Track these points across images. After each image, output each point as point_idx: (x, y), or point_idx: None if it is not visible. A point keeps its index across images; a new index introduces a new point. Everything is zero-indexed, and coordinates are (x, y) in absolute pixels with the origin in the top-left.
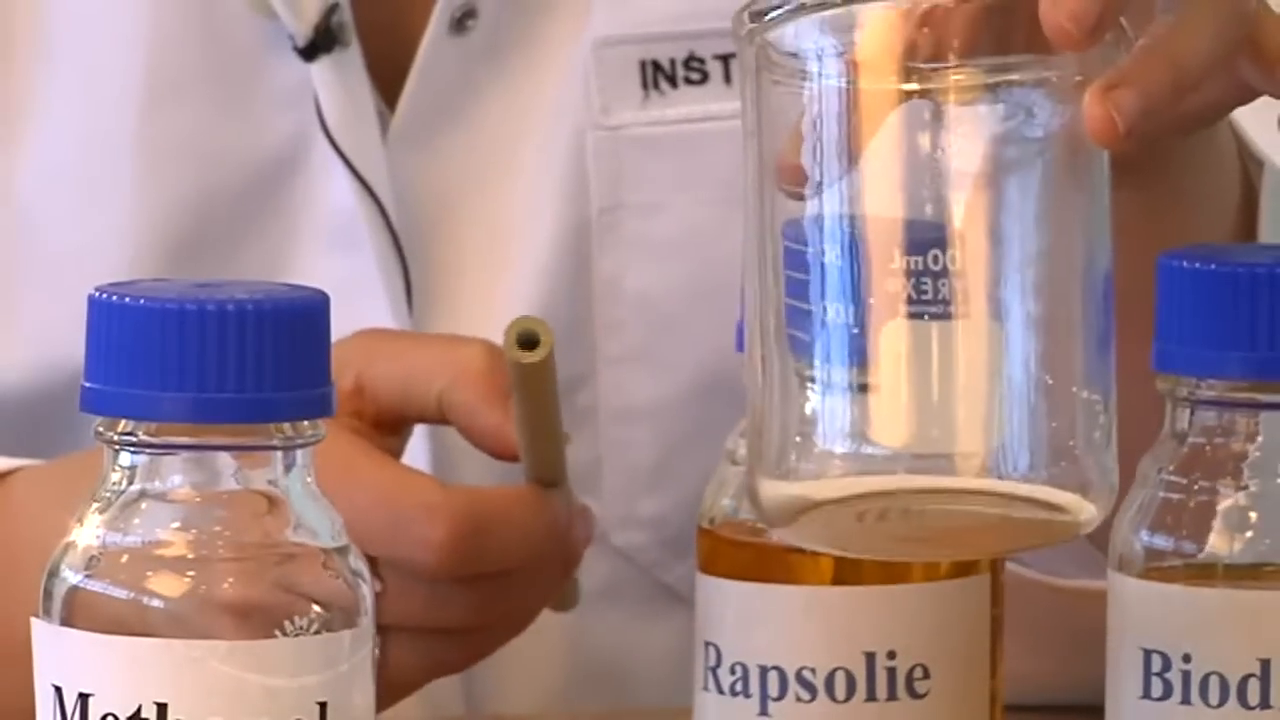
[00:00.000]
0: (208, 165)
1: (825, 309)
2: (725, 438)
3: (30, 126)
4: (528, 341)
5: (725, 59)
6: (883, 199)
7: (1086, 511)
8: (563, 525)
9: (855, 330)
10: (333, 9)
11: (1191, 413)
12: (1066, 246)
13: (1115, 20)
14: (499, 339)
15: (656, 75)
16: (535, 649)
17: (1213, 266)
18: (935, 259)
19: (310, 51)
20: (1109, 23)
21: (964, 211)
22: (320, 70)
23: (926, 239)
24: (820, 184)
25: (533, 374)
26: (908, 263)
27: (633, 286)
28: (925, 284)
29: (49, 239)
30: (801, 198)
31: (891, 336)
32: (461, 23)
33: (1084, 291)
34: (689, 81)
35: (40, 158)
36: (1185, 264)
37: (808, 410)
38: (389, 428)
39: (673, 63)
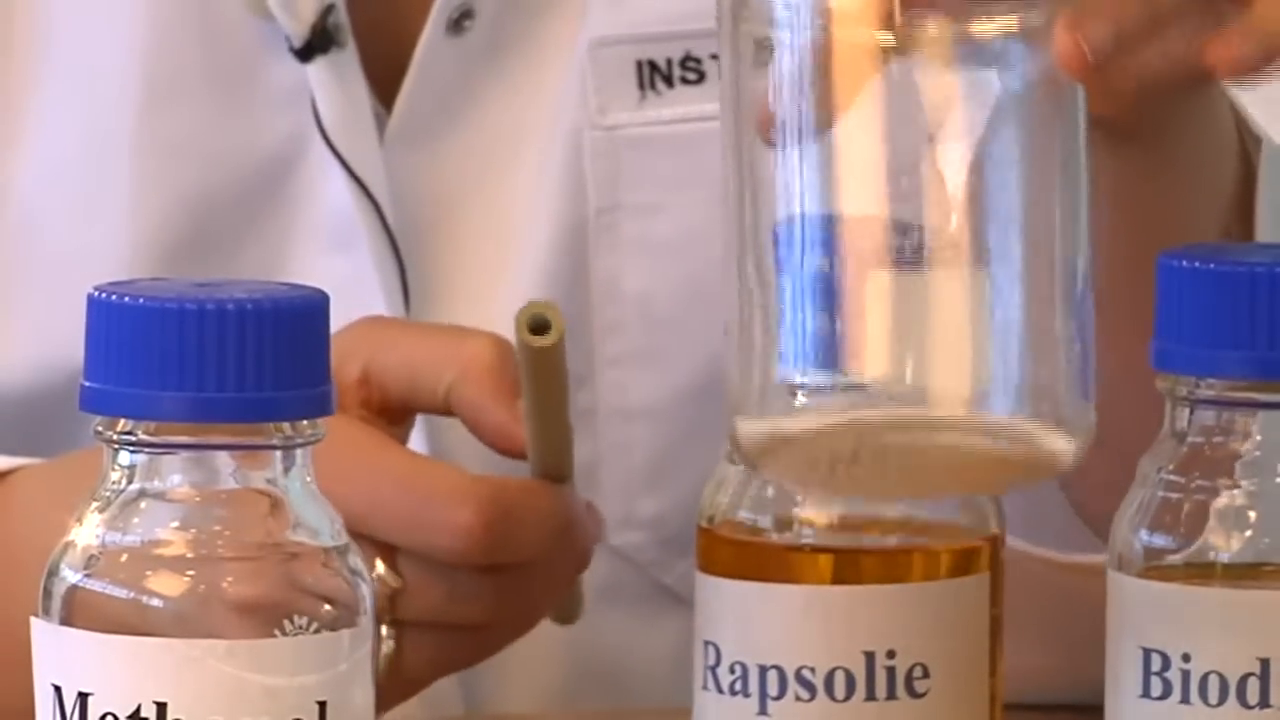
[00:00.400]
0: (205, 166)
1: (802, 251)
2: (723, 437)
3: (29, 127)
4: (539, 326)
5: None
6: (859, 147)
7: (1064, 446)
8: (576, 520)
9: (830, 268)
10: (329, 10)
11: (1191, 412)
12: (1043, 189)
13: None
14: (497, 343)
15: (653, 75)
16: (535, 649)
17: (1212, 266)
18: (913, 200)
19: (306, 52)
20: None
21: (941, 157)
22: (317, 71)
23: (904, 185)
24: (797, 132)
25: (544, 359)
26: (886, 207)
27: (631, 287)
28: (902, 225)
29: (48, 240)
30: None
31: (867, 274)
32: (458, 23)
33: (1061, 231)
34: (685, 81)
35: (39, 159)
36: (1184, 263)
37: (782, 345)
38: (393, 416)
39: (669, 63)
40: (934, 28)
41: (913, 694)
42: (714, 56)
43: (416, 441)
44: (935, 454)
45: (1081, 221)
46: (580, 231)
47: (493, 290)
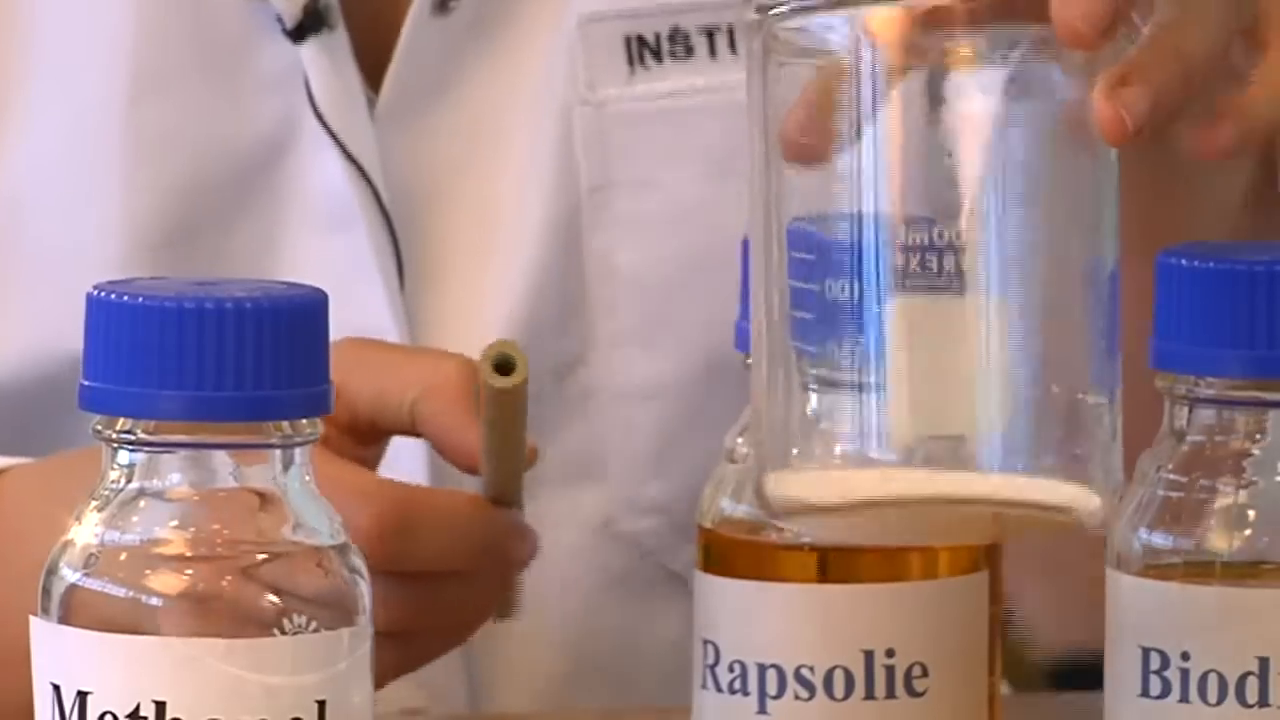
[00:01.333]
0: (197, 152)
1: (830, 295)
2: (729, 420)
3: (17, 120)
4: (503, 365)
5: (709, 32)
6: (893, 183)
7: (1091, 506)
8: (501, 538)
9: (858, 322)
10: None
11: (1190, 411)
12: (1073, 240)
13: (1126, 15)
14: (492, 318)
15: (642, 50)
16: (541, 639)
17: (1211, 265)
18: (943, 243)
19: (299, 33)
20: (1121, 18)
21: (978, 204)
22: (309, 52)
23: (932, 225)
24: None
25: (505, 399)
26: (914, 247)
27: (625, 265)
28: (931, 269)
29: (39, 232)
30: (808, 166)
31: (897, 327)
32: (444, 3)
33: (1091, 286)
34: (674, 56)
35: (28, 150)
36: (1183, 262)
37: (809, 408)
38: (362, 437)
39: (658, 37)
40: (969, 54)
41: (912, 693)
42: (701, 30)
43: (417, 459)
44: (959, 513)
45: (1114, 279)
46: (573, 209)
47: (486, 269)
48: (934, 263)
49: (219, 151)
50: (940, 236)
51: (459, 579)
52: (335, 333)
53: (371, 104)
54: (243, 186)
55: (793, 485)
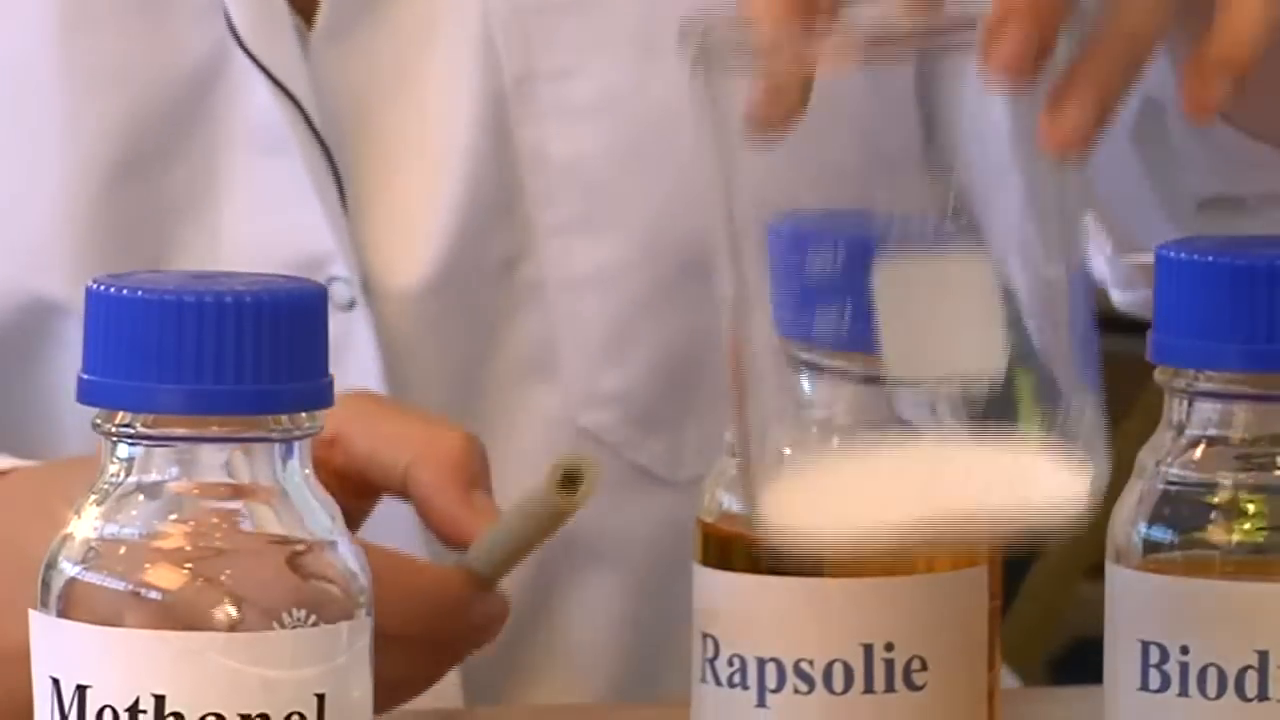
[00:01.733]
0: (133, 84)
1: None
2: (678, 308)
3: None
4: (571, 477)
5: None
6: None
7: (1080, 492)
8: (462, 610)
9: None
10: None
11: (1190, 404)
12: (1051, 241)
13: (1053, 45)
14: (434, 226)
15: None
16: (535, 634)
17: (1210, 259)
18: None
19: None
20: (1048, 52)
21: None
22: None
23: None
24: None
25: (561, 512)
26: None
27: (558, 154)
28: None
29: None
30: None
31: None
32: None
33: (1069, 281)
34: None
35: None
36: (1183, 256)
37: (799, 397)
38: (352, 488)
39: None
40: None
41: (911, 686)
42: None
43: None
44: (968, 528)
45: (1087, 273)
46: (500, 103)
47: (424, 177)
48: (920, 233)
49: (154, 83)
50: (922, 242)
51: (408, 640)
52: (279, 256)
53: (301, 27)
54: (181, 117)
55: (786, 511)
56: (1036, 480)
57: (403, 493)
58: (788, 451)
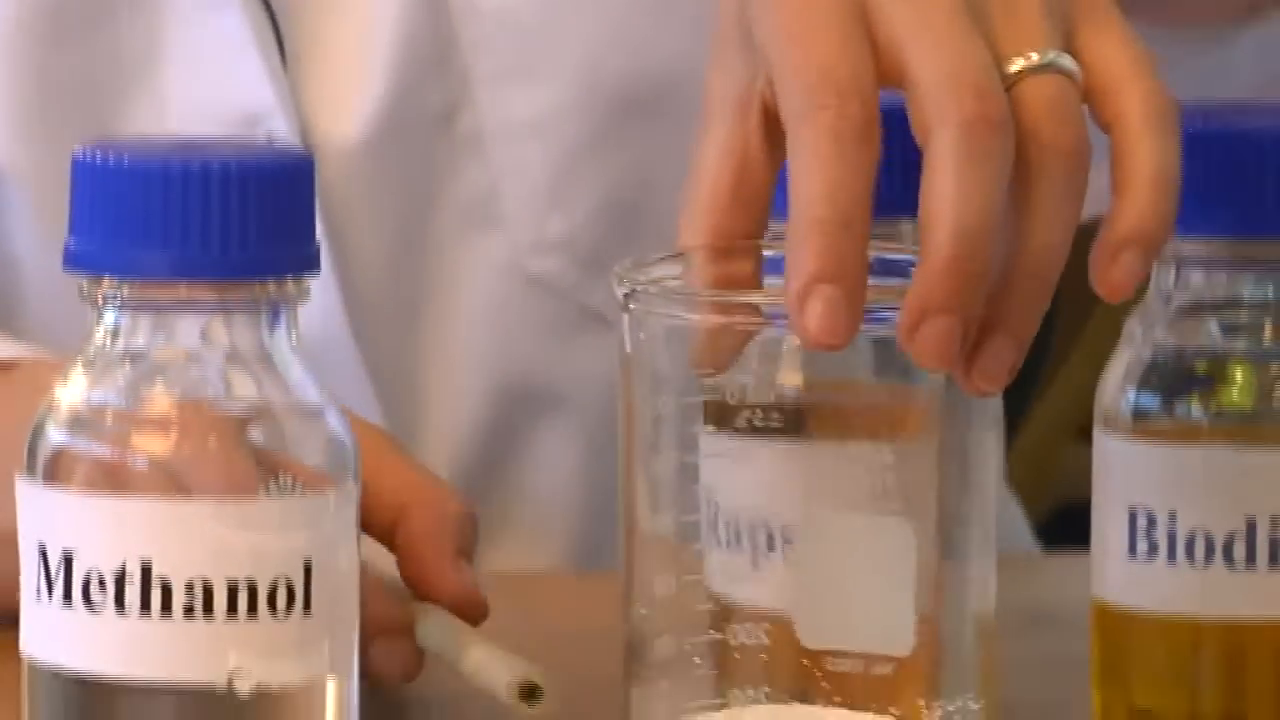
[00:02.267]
0: None
1: None
2: (619, 152)
3: None
4: (529, 691)
5: None
6: None
7: None
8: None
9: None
10: None
11: (1178, 272)
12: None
13: (976, 320)
14: (367, 84)
15: None
16: (463, 388)
17: (1200, 127)
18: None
19: None
20: (973, 329)
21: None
22: None
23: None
24: None
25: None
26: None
27: (489, 2)
28: None
29: None
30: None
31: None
32: None
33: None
34: None
35: None
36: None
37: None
38: None
39: None
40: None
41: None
42: None
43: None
44: None
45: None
46: None
47: (360, 28)
48: None
49: None
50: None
51: None
52: (218, 112)
53: None
54: None
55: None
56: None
57: (387, 532)
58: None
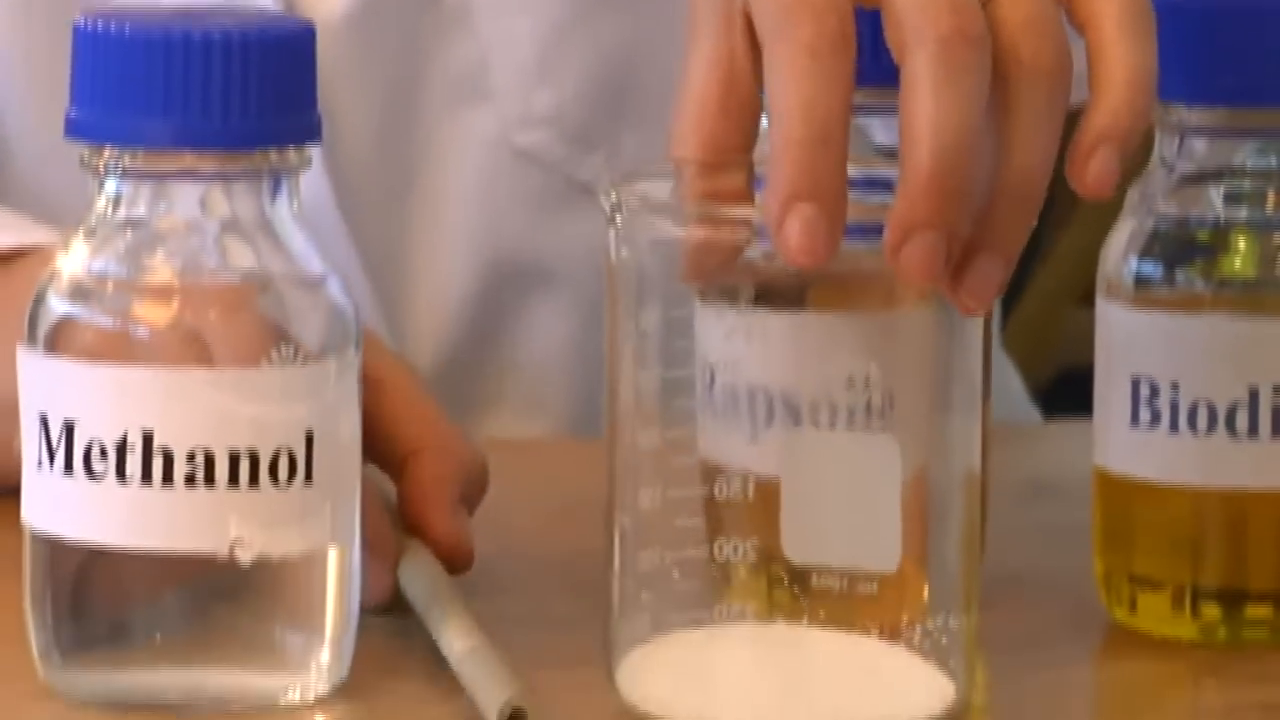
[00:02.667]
0: None
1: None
2: (608, 26)
3: None
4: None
5: None
6: None
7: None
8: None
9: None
10: None
11: (1181, 140)
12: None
13: (962, 237)
14: None
15: None
16: (454, 263)
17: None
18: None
19: None
20: (958, 247)
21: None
22: None
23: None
24: None
25: None
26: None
27: None
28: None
29: None
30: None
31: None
32: None
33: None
34: None
35: None
36: None
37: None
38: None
39: None
40: None
41: (886, 420)
42: None
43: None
44: None
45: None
46: None
47: None
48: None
49: None
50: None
51: None
52: None
53: None
54: None
55: (643, 689)
56: (896, 689)
57: (397, 470)
58: (651, 630)
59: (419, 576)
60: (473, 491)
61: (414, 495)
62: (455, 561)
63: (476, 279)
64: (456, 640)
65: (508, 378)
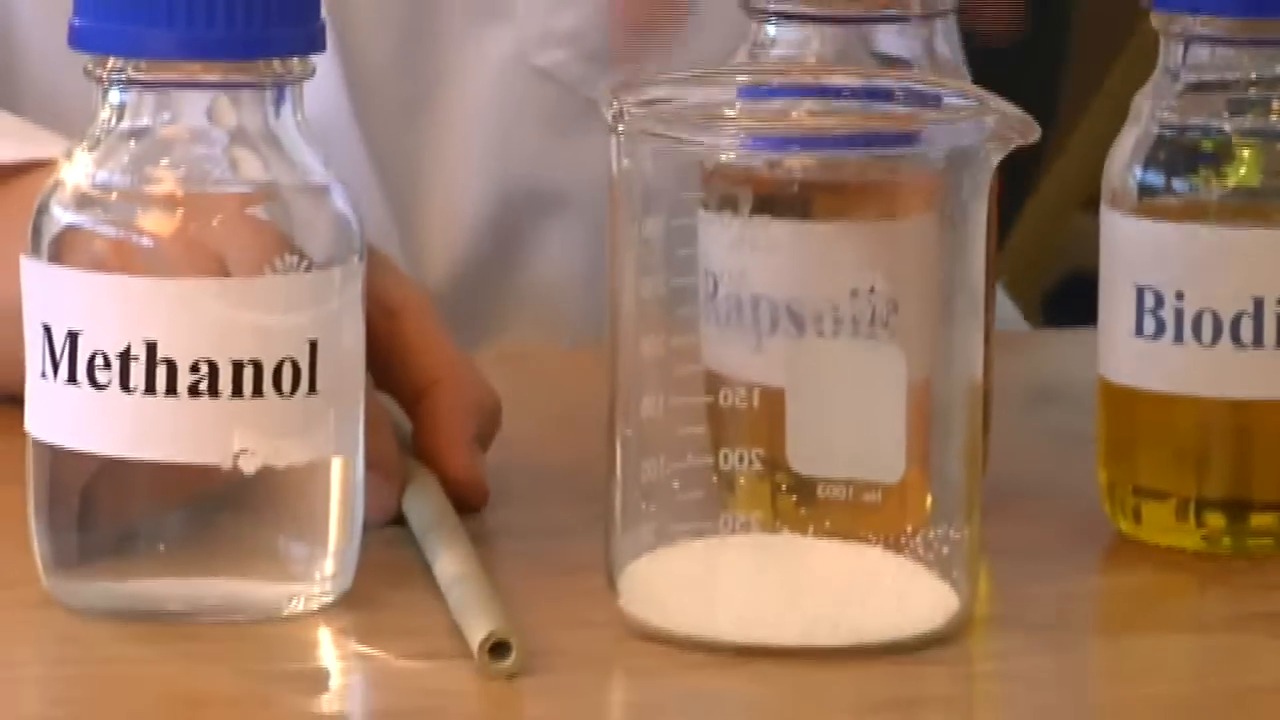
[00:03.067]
0: None
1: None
2: None
3: None
4: (499, 648)
5: None
6: None
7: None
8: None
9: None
10: None
11: (1185, 49)
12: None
13: None
14: None
15: None
16: (469, 182)
17: None
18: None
19: None
20: None
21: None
22: None
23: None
24: None
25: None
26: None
27: None
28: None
29: None
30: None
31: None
32: None
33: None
34: None
35: None
36: None
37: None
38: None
39: None
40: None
41: (889, 327)
42: None
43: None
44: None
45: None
46: None
47: None
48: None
49: None
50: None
51: None
52: None
53: None
54: None
55: (646, 599)
56: (899, 599)
57: (413, 401)
58: (653, 540)
59: (422, 503)
60: (487, 429)
61: (430, 428)
62: (470, 500)
63: (491, 198)
64: (449, 567)
65: (520, 298)
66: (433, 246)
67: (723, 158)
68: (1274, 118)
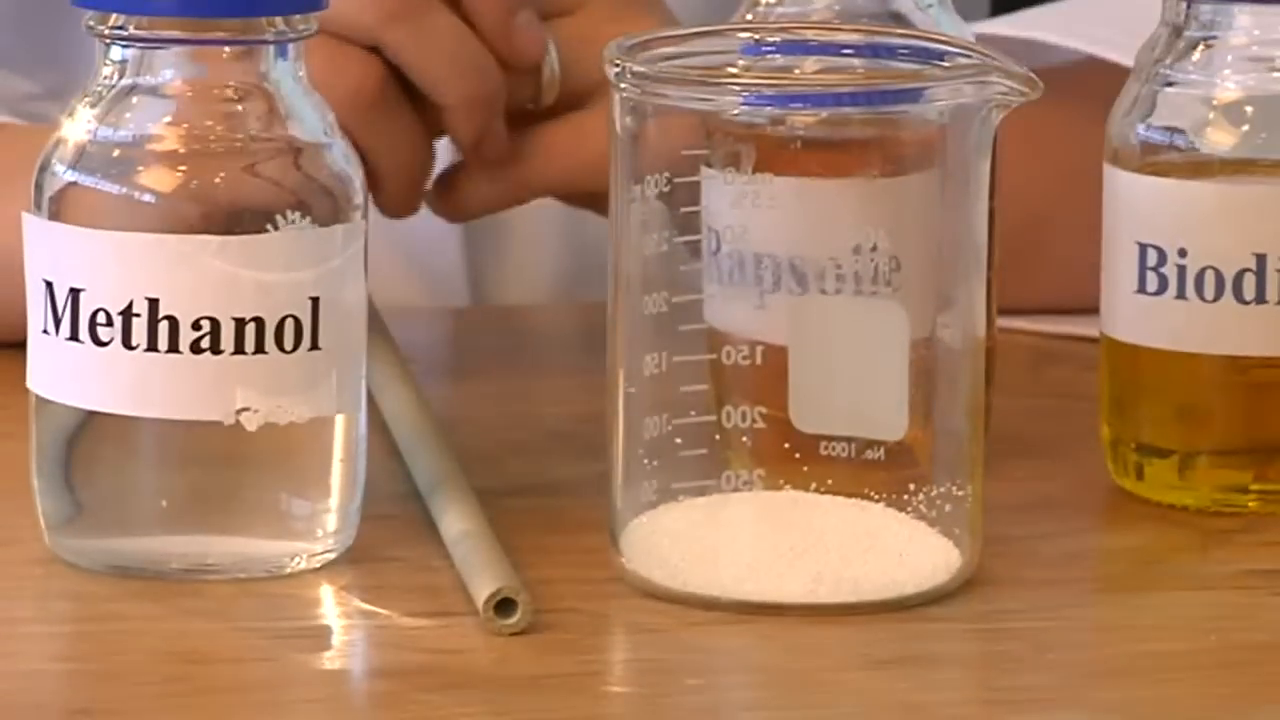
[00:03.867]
0: None
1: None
2: None
3: None
4: (505, 605)
5: None
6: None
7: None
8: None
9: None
10: None
11: (1188, 5)
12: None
13: None
14: None
15: None
16: (541, 232)
17: None
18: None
19: None
20: None
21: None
22: None
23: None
24: None
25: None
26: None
27: None
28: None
29: None
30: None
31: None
32: None
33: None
34: None
35: None
36: None
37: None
38: None
39: None
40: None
41: (890, 285)
42: None
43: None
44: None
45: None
46: None
47: None
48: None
49: None
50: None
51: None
52: None
53: None
54: None
55: (647, 558)
56: (902, 556)
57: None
58: (656, 497)
59: (427, 461)
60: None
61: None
62: (520, 55)
63: (563, 252)
64: (455, 524)
65: (505, 241)
66: (501, 288)
67: (725, 115)
68: (1276, 74)
